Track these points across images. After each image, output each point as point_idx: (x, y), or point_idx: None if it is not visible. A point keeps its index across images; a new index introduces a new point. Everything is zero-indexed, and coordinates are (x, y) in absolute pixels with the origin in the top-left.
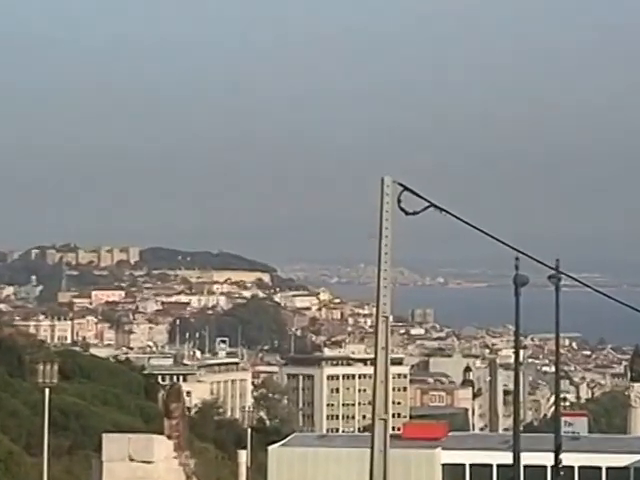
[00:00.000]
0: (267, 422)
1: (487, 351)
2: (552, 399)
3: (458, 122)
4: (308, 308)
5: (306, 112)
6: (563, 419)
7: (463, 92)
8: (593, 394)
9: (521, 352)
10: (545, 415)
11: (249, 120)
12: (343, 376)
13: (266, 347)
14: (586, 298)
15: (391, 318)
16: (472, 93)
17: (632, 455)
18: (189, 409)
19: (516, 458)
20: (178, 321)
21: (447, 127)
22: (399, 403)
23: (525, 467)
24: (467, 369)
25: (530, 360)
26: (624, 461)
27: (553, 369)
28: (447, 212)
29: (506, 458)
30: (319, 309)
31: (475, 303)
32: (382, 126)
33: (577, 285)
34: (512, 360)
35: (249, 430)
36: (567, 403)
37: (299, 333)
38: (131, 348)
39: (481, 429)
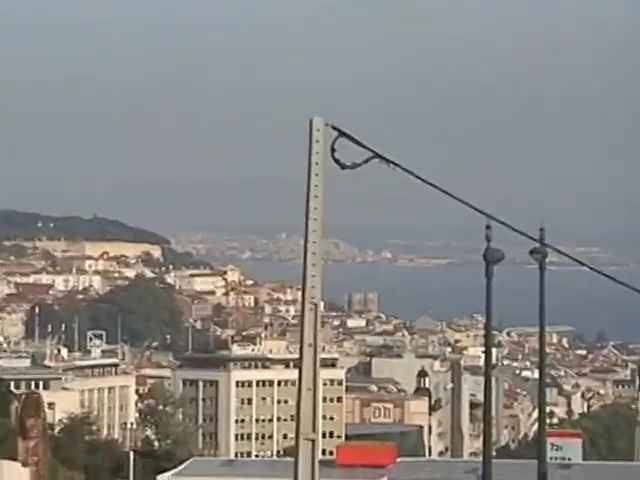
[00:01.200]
0: (156, 444)
1: (448, 350)
2: (535, 414)
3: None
4: (211, 292)
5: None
6: (549, 441)
7: (426, 34)
8: (589, 408)
9: (494, 351)
10: (526, 436)
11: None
12: (257, 382)
13: (155, 344)
14: (581, 280)
15: (322, 306)
16: (438, 37)
17: None
18: (51, 426)
19: None
20: (37, 309)
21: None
22: (332, 419)
23: None
24: (422, 374)
25: (506, 362)
26: None
27: (536, 374)
28: (397, 165)
29: None
30: (226, 293)
31: (433, 286)
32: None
33: (569, 263)
34: (482, 362)
35: (132, 454)
36: (555, 420)
37: (199, 325)
38: None
39: (441, 453)
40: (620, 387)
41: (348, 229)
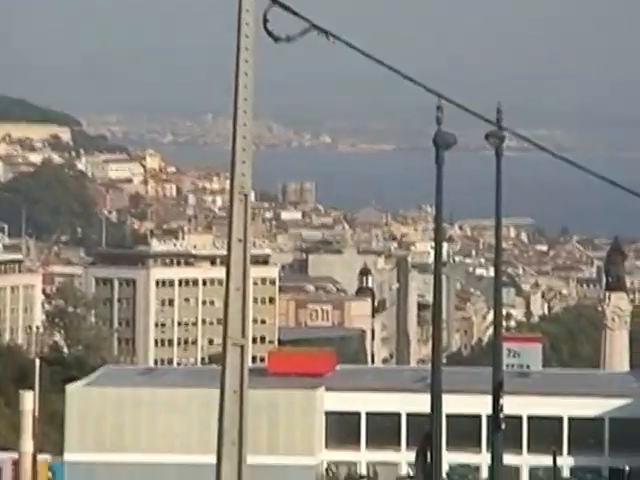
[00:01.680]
0: (65, 350)
1: (394, 245)
2: (490, 317)
3: None
4: (128, 180)
5: None
6: (506, 346)
7: None
8: (550, 309)
9: (444, 247)
10: (480, 341)
11: None
12: (180, 281)
13: (64, 238)
14: (543, 168)
15: (252, 196)
16: None
17: (607, 400)
18: None
19: (436, 403)
20: None
21: None
22: (264, 322)
23: (449, 417)
24: (364, 272)
25: (458, 259)
26: (595, 409)
27: (491, 272)
28: (336, 38)
29: (421, 403)
30: (144, 182)
31: (377, 174)
32: None
33: (529, 148)
34: (431, 259)
35: (37, 361)
36: (512, 323)
37: (114, 217)
38: None
39: (385, 361)
40: (584, 286)
41: (283, 110)
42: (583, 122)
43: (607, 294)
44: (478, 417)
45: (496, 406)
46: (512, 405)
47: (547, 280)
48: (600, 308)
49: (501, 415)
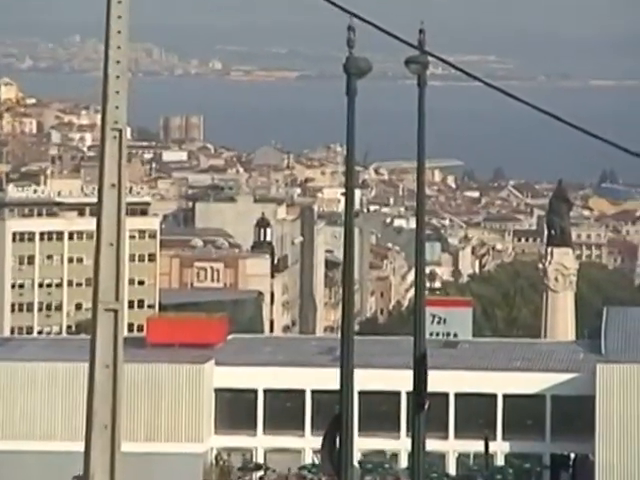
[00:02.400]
0: None
1: (297, 192)
2: (411, 277)
3: None
4: None
5: None
6: (430, 311)
7: None
8: (483, 267)
9: (357, 194)
10: (399, 304)
11: None
12: (42, 235)
13: None
14: (474, 100)
15: (128, 133)
16: None
17: (549, 375)
18: None
19: (346, 379)
20: None
21: None
22: (142, 283)
23: (363, 395)
24: (262, 223)
25: (373, 208)
26: (535, 385)
27: (413, 224)
28: None
29: (329, 379)
30: None
31: (277, 107)
32: None
33: (458, 77)
34: (341, 208)
35: None
36: (437, 284)
37: None
38: None
39: (286, 328)
40: (522, 240)
41: (164, 31)
42: (522, 49)
43: (549, 249)
44: (397, 395)
45: (418, 382)
46: (437, 381)
47: (478, 233)
48: (541, 266)
49: (424, 393)
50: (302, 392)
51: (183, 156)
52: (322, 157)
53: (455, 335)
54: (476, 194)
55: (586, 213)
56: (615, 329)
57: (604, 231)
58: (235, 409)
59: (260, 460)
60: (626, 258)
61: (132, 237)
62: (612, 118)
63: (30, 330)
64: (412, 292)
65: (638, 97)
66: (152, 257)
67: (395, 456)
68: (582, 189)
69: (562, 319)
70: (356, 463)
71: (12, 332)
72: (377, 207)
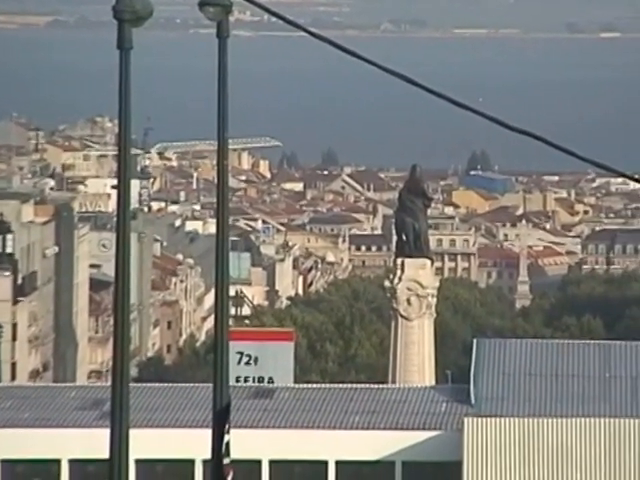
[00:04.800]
0: None
1: (50, 183)
2: (209, 299)
3: None
4: None
5: None
6: (235, 348)
7: None
8: (308, 286)
9: (135, 185)
10: (193, 338)
11: None
12: None
13: None
14: (295, 57)
15: None
16: None
17: (399, 434)
18: None
19: (118, 444)
20: None
21: None
22: None
23: (140, 463)
24: (1, 228)
25: (157, 206)
26: (379, 448)
27: (212, 227)
28: None
29: (93, 443)
30: None
31: (22, 63)
32: None
33: (277, 25)
34: (112, 206)
35: None
36: (247, 309)
37: None
38: None
39: (35, 374)
40: (363, 249)
41: None
42: None
43: (399, 261)
44: (189, 464)
45: (218, 446)
46: (246, 444)
47: (303, 239)
48: (388, 284)
49: (226, 460)
50: (57, 462)
51: None
52: (85, 135)
53: (271, 380)
54: (299, 186)
55: (450, 211)
56: (489, 369)
57: (474, 235)
58: None
59: None
60: (504, 272)
61: None
62: (486, 80)
63: None
64: (211, 321)
65: (519, 49)
66: None
67: None
68: (444, 179)
69: (417, 356)
70: None
71: None
72: (163, 204)
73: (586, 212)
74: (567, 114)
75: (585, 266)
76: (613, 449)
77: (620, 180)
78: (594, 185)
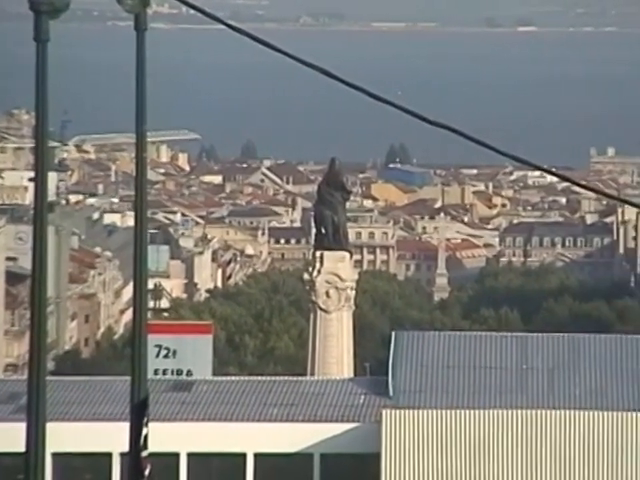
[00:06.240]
0: None
1: None
2: (128, 293)
3: None
4: None
5: None
6: (154, 341)
7: None
8: (227, 279)
9: (52, 178)
10: (111, 331)
11: None
12: None
13: None
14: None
15: None
16: None
17: (317, 425)
18: None
19: (36, 437)
20: None
21: None
22: None
23: (57, 457)
24: None
25: (75, 198)
26: (298, 440)
27: (130, 220)
28: None
29: (9, 437)
30: None
31: None
32: None
33: (196, 18)
34: (29, 199)
35: None
36: (165, 302)
37: None
38: None
39: None
40: (282, 242)
41: None
42: None
43: (318, 254)
44: (107, 457)
45: (136, 439)
46: (164, 437)
47: (221, 232)
48: (307, 277)
49: (144, 453)
50: None
51: None
52: (1, 128)
53: (189, 373)
54: (218, 179)
55: (368, 204)
56: (407, 361)
57: (392, 228)
58: None
59: None
60: (422, 264)
61: None
62: (404, 73)
63: None
64: (129, 314)
65: (437, 43)
66: None
67: None
68: (363, 172)
69: (336, 349)
70: None
71: None
72: (80, 197)
73: (504, 205)
74: (484, 107)
75: (503, 259)
76: (530, 440)
77: (537, 173)
78: (512, 178)
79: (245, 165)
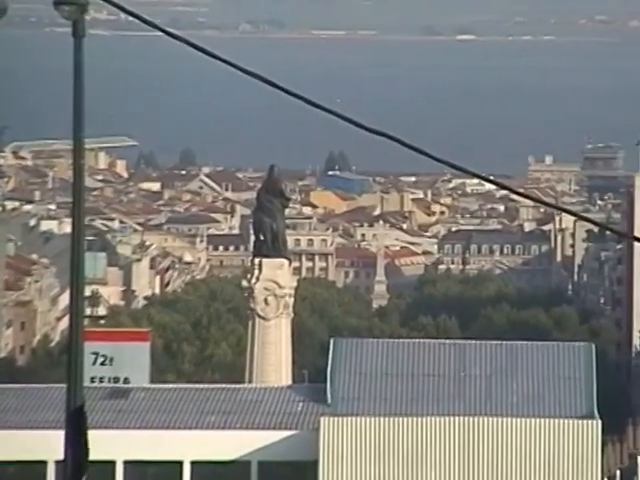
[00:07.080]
0: None
1: None
2: (64, 300)
3: None
4: None
5: None
6: (90, 347)
7: None
8: (165, 286)
9: None
10: (47, 339)
11: None
12: None
13: None
14: (157, 57)
15: None
16: None
17: (254, 433)
18: None
19: None
20: None
21: None
22: None
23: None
24: None
25: (12, 205)
26: (235, 448)
27: (67, 227)
28: None
29: None
30: None
31: None
32: None
33: (135, 25)
34: None
35: None
36: (102, 310)
37: None
38: None
39: None
40: (220, 249)
41: None
42: None
43: (257, 261)
44: (42, 465)
45: (73, 447)
46: (100, 444)
47: (160, 239)
48: (245, 284)
49: (81, 462)
50: None
51: None
52: None
53: (126, 380)
54: (156, 186)
55: (307, 211)
56: (346, 369)
57: (331, 235)
58: None
59: None
60: (361, 272)
61: None
62: (344, 81)
63: None
64: (66, 322)
65: (376, 50)
66: None
67: None
68: (302, 179)
69: (274, 356)
70: None
71: None
72: (17, 204)
73: (442, 213)
74: (423, 115)
75: (441, 266)
76: (467, 447)
77: (476, 181)
78: (450, 186)
79: (184, 172)
